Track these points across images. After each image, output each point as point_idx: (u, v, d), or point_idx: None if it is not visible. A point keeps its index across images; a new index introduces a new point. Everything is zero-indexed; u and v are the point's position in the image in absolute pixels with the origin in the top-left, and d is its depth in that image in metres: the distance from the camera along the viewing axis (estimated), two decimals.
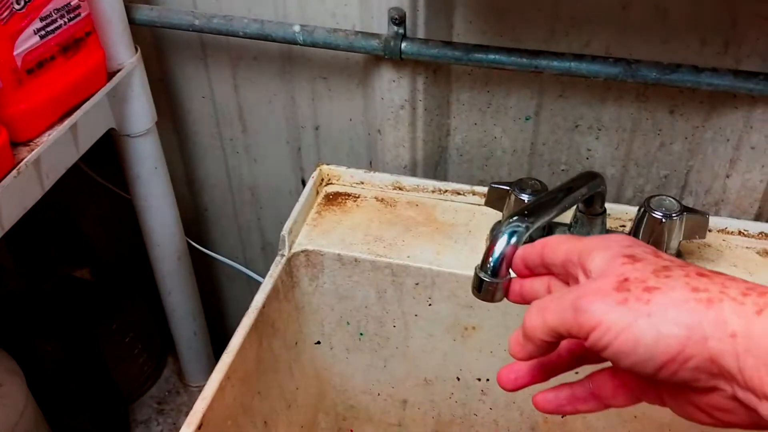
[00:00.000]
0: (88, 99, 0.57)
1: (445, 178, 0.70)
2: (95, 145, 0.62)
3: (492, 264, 0.39)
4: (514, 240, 0.39)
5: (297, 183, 0.78)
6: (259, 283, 0.87)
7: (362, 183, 0.64)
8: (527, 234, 0.40)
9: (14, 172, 0.48)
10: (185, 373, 0.93)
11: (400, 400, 0.66)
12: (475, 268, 0.40)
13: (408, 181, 0.63)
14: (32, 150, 0.51)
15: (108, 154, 0.74)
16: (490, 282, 0.39)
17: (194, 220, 0.85)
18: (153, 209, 0.73)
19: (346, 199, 0.63)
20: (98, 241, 0.94)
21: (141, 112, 0.65)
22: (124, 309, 0.86)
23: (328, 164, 0.64)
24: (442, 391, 0.64)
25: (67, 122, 0.54)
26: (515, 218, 0.40)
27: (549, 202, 0.43)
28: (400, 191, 0.63)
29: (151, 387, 0.93)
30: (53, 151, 0.53)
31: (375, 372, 0.65)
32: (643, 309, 0.29)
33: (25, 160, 0.50)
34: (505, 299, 0.41)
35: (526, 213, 0.40)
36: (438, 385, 0.64)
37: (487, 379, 0.62)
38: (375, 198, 0.63)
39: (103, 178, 0.81)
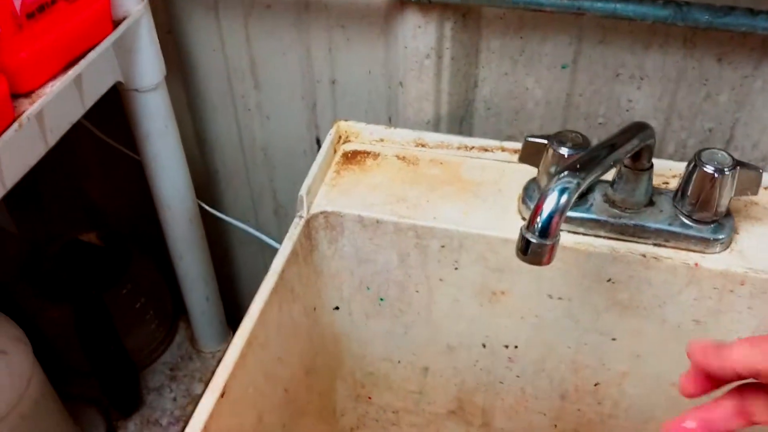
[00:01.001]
0: (92, 48, 0.53)
1: (470, 134, 0.66)
2: (101, 103, 0.59)
3: (540, 224, 0.36)
4: (565, 197, 0.36)
5: (311, 142, 0.74)
6: (271, 247, 0.85)
7: (382, 140, 0.61)
8: (579, 190, 0.36)
9: (15, 125, 0.45)
10: (198, 338, 0.91)
11: (421, 368, 0.64)
12: (521, 229, 0.37)
13: (431, 137, 0.60)
14: (34, 102, 0.47)
15: (115, 114, 0.71)
16: (539, 243, 0.36)
17: (205, 182, 0.82)
18: (163, 170, 0.70)
19: (366, 157, 0.60)
20: (106, 204, 0.91)
21: (149, 65, 0.61)
22: (134, 274, 0.84)
23: (345, 120, 0.61)
24: (466, 358, 0.62)
25: (72, 72, 0.51)
26: (566, 173, 0.37)
27: (599, 155, 0.40)
28: (422, 148, 0.60)
29: (163, 353, 0.91)
30: (57, 103, 0.50)
31: (395, 338, 0.62)
32: None
33: (27, 112, 0.46)
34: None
35: (578, 167, 0.37)
36: (462, 351, 0.61)
37: (516, 346, 0.59)
38: (396, 156, 0.60)
39: (110, 137, 0.77)
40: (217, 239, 0.88)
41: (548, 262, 0.37)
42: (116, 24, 0.56)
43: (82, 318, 0.77)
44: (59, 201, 0.93)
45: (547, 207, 0.35)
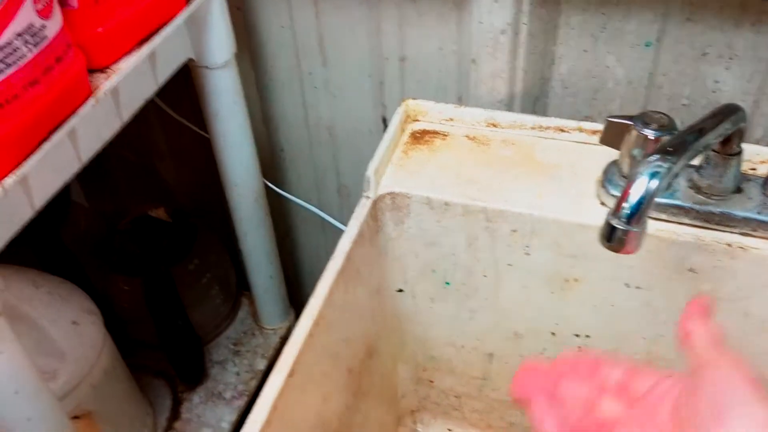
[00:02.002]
0: (166, 25, 0.53)
1: (544, 114, 0.64)
2: (171, 81, 0.59)
3: (629, 209, 0.34)
4: (655, 182, 0.34)
5: (377, 121, 0.73)
6: (333, 227, 0.85)
7: (452, 120, 0.59)
8: (669, 175, 0.34)
9: (92, 100, 0.45)
10: (260, 315, 0.92)
11: (485, 353, 0.63)
12: (607, 215, 0.35)
13: (503, 117, 0.58)
14: (110, 77, 0.47)
15: (184, 91, 0.71)
16: (625, 230, 0.34)
17: (270, 161, 0.82)
18: (231, 147, 0.70)
19: (434, 137, 0.59)
20: (174, 180, 0.93)
21: (220, 42, 0.61)
22: (201, 250, 0.85)
23: (414, 99, 0.59)
24: (533, 346, 0.60)
25: (146, 48, 0.51)
26: (656, 156, 0.34)
27: (690, 139, 0.37)
28: (494, 128, 0.58)
29: (227, 328, 0.92)
30: (131, 79, 0.50)
31: (460, 323, 0.61)
32: None
33: (104, 87, 0.46)
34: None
35: (670, 149, 0.35)
36: (529, 339, 0.60)
37: (587, 336, 0.57)
38: (466, 136, 0.58)
39: (180, 115, 0.78)
40: (280, 218, 0.89)
41: (634, 251, 0.35)
42: (189, 0, 0.56)
43: (151, 292, 0.78)
44: (129, 176, 0.95)
45: (636, 192, 0.33)
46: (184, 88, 0.70)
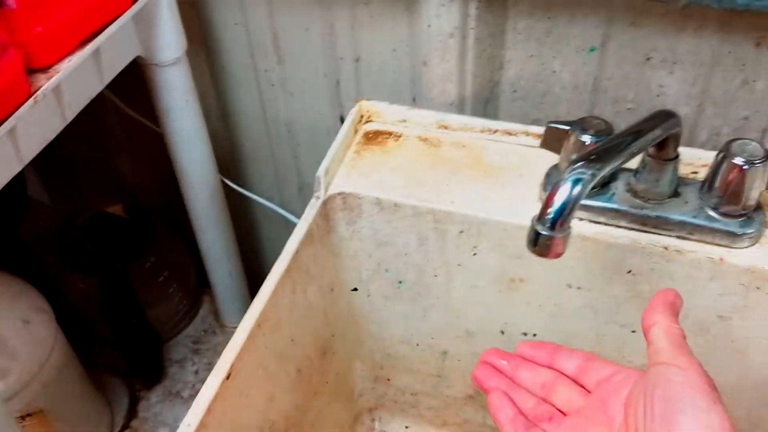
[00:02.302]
0: (111, 23, 0.52)
1: (495, 117, 0.65)
2: (127, 76, 0.59)
3: (552, 216, 0.34)
4: (578, 189, 0.34)
5: (335, 120, 0.73)
6: (295, 225, 0.85)
7: (405, 121, 0.60)
8: (593, 182, 0.35)
9: (31, 101, 0.45)
10: (221, 313, 0.92)
11: (440, 351, 0.64)
12: (532, 220, 0.35)
13: (454, 119, 0.59)
14: (51, 77, 0.47)
15: (142, 87, 0.71)
16: (548, 236, 0.35)
17: (230, 158, 0.82)
18: (185, 144, 0.70)
19: (387, 138, 0.59)
20: (132, 176, 0.92)
21: (170, 39, 0.61)
22: (159, 247, 0.85)
23: (368, 99, 0.60)
24: (484, 344, 0.61)
25: (90, 47, 0.50)
26: (580, 163, 0.35)
27: (619, 145, 0.38)
28: (445, 130, 0.59)
29: (187, 326, 0.92)
30: (75, 78, 0.50)
31: (414, 321, 0.62)
32: None
33: (44, 87, 0.46)
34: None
35: (593, 157, 0.35)
36: (480, 337, 0.61)
37: (534, 334, 0.58)
38: (418, 137, 0.58)
39: (136, 110, 0.78)
40: (242, 215, 0.89)
41: (558, 256, 0.36)
42: None
43: (107, 290, 0.78)
44: (89, 173, 0.94)
45: (559, 199, 0.34)
46: (141, 84, 0.69)
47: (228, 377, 0.43)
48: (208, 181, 0.75)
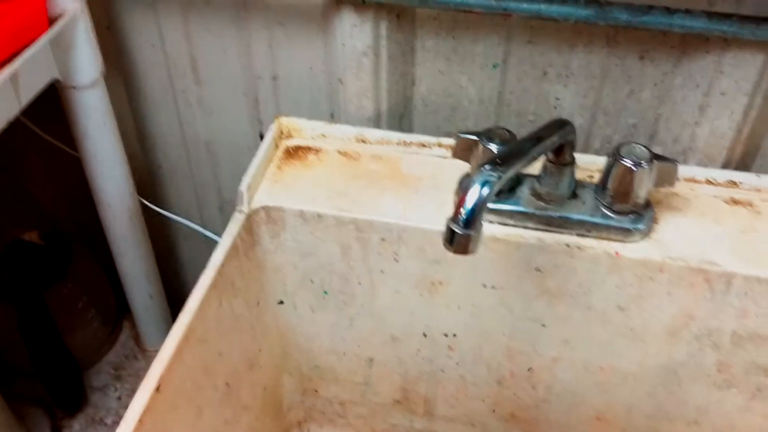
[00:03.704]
0: (28, 46, 0.52)
1: (410, 130, 0.68)
2: (42, 100, 0.58)
3: (465, 215, 0.37)
4: (486, 189, 0.38)
5: (255, 138, 0.75)
6: (217, 244, 0.85)
7: (324, 136, 0.62)
8: (500, 183, 0.38)
9: None
10: (142, 337, 0.90)
11: (366, 359, 0.65)
12: (447, 220, 0.38)
13: (372, 133, 0.61)
14: None
15: (56, 111, 0.70)
16: (463, 234, 0.38)
17: (148, 179, 0.82)
18: (102, 167, 0.70)
19: (308, 152, 0.61)
20: (47, 202, 0.90)
21: (87, 62, 0.61)
22: (75, 272, 0.83)
23: (287, 116, 0.62)
24: (408, 348, 0.63)
25: (6, 71, 0.50)
26: (487, 167, 0.38)
27: (520, 150, 0.42)
28: (363, 144, 0.61)
29: (108, 352, 0.90)
30: None
31: (340, 331, 0.63)
32: None
33: None
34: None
35: (498, 161, 0.39)
36: (405, 342, 0.63)
37: (454, 335, 0.61)
38: (338, 151, 0.61)
39: (51, 135, 0.76)
40: (162, 236, 0.88)
41: (472, 252, 0.39)
42: (52, 21, 0.56)
43: (24, 318, 0.76)
44: (4, 201, 0.91)
45: (470, 199, 0.37)
46: (57, 108, 0.69)
47: (158, 389, 0.43)
48: (126, 203, 0.74)
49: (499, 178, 0.38)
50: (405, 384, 0.66)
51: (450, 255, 0.55)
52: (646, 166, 0.49)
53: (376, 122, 0.67)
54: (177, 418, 0.47)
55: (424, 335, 0.62)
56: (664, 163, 0.49)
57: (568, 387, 0.61)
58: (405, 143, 0.61)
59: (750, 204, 0.55)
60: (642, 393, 0.60)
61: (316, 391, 0.70)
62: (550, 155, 0.49)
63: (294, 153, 0.61)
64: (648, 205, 0.52)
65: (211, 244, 0.88)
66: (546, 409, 0.64)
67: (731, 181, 0.56)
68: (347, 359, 0.66)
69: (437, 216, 0.54)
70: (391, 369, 0.65)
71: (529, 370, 0.61)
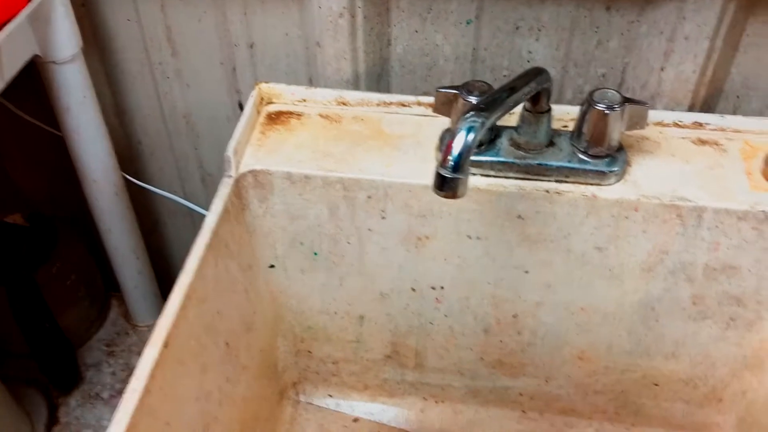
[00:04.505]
0: (7, 22, 0.52)
1: (388, 91, 0.69)
2: (17, 80, 0.58)
3: (453, 160, 0.39)
4: (471, 135, 0.39)
5: (234, 108, 0.75)
6: (201, 216, 0.85)
7: (304, 100, 0.63)
8: (484, 129, 0.40)
9: None
10: (132, 313, 0.91)
11: (357, 317, 0.67)
12: (436, 167, 0.40)
13: (352, 95, 0.62)
14: None
15: (32, 90, 0.70)
16: (452, 178, 0.40)
17: (129, 155, 0.82)
18: (85, 143, 0.70)
19: (289, 117, 0.62)
20: (29, 183, 0.90)
21: (66, 36, 0.61)
22: (63, 252, 0.83)
23: (266, 83, 0.62)
24: (397, 304, 0.65)
25: None
26: (471, 113, 0.40)
27: (500, 97, 0.44)
28: (344, 106, 0.62)
29: (99, 330, 0.91)
30: None
31: (331, 291, 0.65)
32: None
33: None
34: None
35: (482, 107, 0.41)
36: (394, 297, 0.65)
37: (442, 287, 0.63)
38: (319, 115, 0.62)
39: (29, 114, 0.76)
40: (146, 211, 0.88)
41: (461, 195, 0.41)
42: None
43: (16, 300, 0.76)
44: None
45: (457, 144, 0.39)
46: (32, 87, 0.69)
47: (165, 345, 0.45)
48: (110, 178, 0.75)
49: (483, 123, 0.40)
50: (395, 339, 0.68)
51: (435, 209, 0.57)
52: (618, 109, 0.51)
53: (354, 84, 0.68)
54: (185, 372, 0.49)
55: (413, 289, 0.63)
56: (635, 105, 0.52)
57: (551, 330, 0.64)
58: (385, 103, 0.62)
59: (716, 143, 0.58)
60: (621, 330, 0.62)
61: (310, 351, 0.72)
62: (527, 104, 0.51)
63: (276, 118, 0.62)
64: (621, 148, 0.55)
65: (196, 218, 0.89)
66: (531, 353, 0.66)
67: (697, 122, 0.59)
68: (338, 318, 0.67)
69: (421, 171, 0.56)
70: (382, 325, 0.67)
71: (514, 316, 0.63)
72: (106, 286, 0.93)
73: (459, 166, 0.39)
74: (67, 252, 0.85)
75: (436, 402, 0.74)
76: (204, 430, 0.53)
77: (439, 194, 0.41)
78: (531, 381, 0.68)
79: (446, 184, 0.40)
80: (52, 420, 0.80)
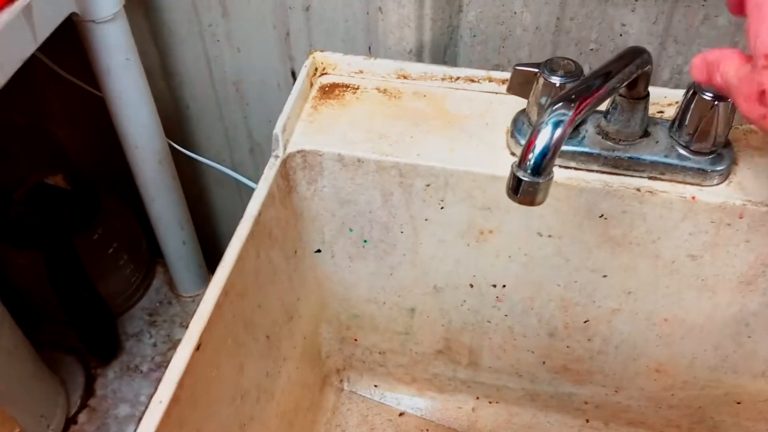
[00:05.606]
0: None
1: (455, 63, 0.63)
2: (60, 37, 0.54)
3: (533, 161, 0.33)
4: (559, 131, 0.33)
5: (286, 75, 0.70)
6: (248, 188, 0.82)
7: (362, 72, 0.57)
8: (574, 124, 0.33)
9: None
10: (176, 283, 0.89)
11: (407, 309, 0.63)
12: (512, 166, 0.34)
13: (414, 68, 0.56)
14: None
15: (76, 48, 0.66)
16: (531, 182, 0.33)
17: (176, 120, 0.78)
18: (128, 107, 0.66)
19: (344, 90, 0.57)
20: (72, 144, 0.87)
21: None
22: (105, 218, 0.81)
23: (321, 51, 0.57)
24: (453, 299, 0.61)
25: (19, 3, 0.46)
26: (560, 104, 0.33)
27: (595, 84, 0.37)
28: (405, 80, 0.57)
29: (141, 298, 0.89)
30: (5, 38, 0.45)
31: (380, 280, 0.61)
32: None
33: None
34: None
35: (573, 97, 0.34)
36: (449, 292, 0.60)
37: (504, 285, 0.58)
38: (377, 89, 0.56)
39: (73, 74, 0.73)
40: (192, 180, 0.85)
41: (541, 202, 0.34)
42: None
43: (53, 265, 0.74)
44: (23, 143, 0.88)
45: (540, 142, 0.32)
46: (73, 42, 0.64)
47: (198, 348, 0.41)
48: (155, 145, 0.71)
49: (574, 118, 0.33)
50: (448, 334, 0.64)
51: (502, 202, 0.51)
52: (729, 100, 0.44)
53: (418, 56, 0.62)
54: (218, 375, 0.45)
55: (471, 286, 0.59)
56: None
57: (627, 339, 0.58)
58: (451, 78, 0.55)
59: None
60: (708, 345, 0.56)
61: (355, 339, 0.68)
62: (622, 88, 0.44)
63: (330, 92, 0.57)
64: (728, 144, 0.47)
65: (243, 188, 0.85)
66: (601, 361, 0.61)
67: None
68: (387, 308, 0.63)
69: (488, 158, 0.50)
70: (434, 319, 0.63)
71: (585, 322, 0.58)
72: (151, 252, 0.91)
73: (541, 168, 0.33)
74: (110, 218, 0.82)
75: (489, 402, 0.71)
76: (239, 430, 0.50)
77: (514, 199, 0.34)
78: (598, 390, 0.64)
79: (523, 189, 0.34)
80: (89, 392, 0.78)
